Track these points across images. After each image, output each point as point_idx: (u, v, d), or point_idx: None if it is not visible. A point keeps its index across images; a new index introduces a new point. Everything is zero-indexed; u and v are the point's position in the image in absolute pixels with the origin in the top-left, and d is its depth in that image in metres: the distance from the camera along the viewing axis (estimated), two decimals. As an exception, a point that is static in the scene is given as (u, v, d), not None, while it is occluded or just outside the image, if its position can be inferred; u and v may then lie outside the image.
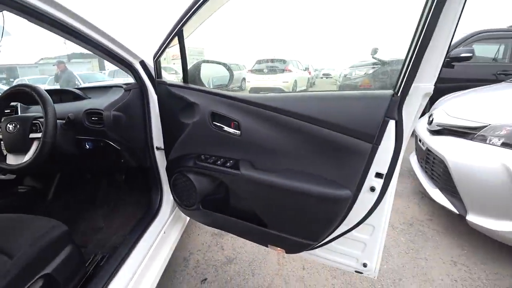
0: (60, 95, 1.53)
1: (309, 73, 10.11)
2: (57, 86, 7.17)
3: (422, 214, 2.03)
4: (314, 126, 0.82)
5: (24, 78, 9.36)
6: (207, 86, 1.20)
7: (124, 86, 1.31)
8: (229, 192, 1.10)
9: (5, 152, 1.22)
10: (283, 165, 0.91)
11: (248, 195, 1.01)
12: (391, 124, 0.76)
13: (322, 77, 16.07)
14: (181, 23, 1.01)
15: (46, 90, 1.50)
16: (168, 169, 1.26)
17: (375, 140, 0.76)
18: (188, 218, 1.59)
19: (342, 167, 0.82)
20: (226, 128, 0.99)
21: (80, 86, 1.59)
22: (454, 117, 1.88)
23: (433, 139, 1.92)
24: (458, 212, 1.60)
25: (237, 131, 0.96)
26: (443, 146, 1.75)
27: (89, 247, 1.36)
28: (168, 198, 1.43)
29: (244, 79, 9.40)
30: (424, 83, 0.74)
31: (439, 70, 0.73)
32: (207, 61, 1.29)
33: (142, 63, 1.26)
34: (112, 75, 10.61)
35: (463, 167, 1.55)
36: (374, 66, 4.19)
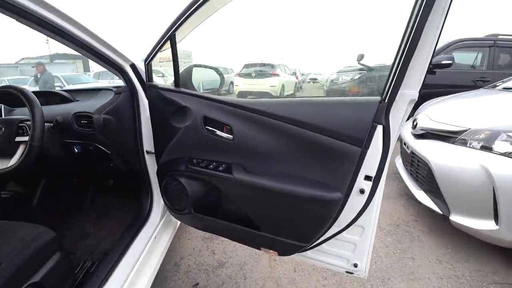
0: (46, 97, 1.49)
1: (297, 77, 10.24)
2: (37, 88, 6.97)
3: (408, 215, 2.09)
4: (305, 131, 0.84)
5: (4, 79, 9.06)
6: (197, 90, 1.20)
7: (114, 89, 1.29)
8: (221, 195, 1.11)
9: None
10: (275, 169, 0.93)
11: (241, 198, 1.02)
12: (379, 129, 0.79)
13: (309, 82, 16.30)
14: (174, 28, 1.01)
15: (33, 92, 1.46)
16: (159, 173, 1.25)
17: (364, 144, 0.79)
18: (179, 223, 1.58)
19: (332, 170, 0.85)
20: (218, 132, 1.00)
21: (67, 88, 1.54)
22: (436, 122, 1.96)
23: (417, 142, 1.99)
24: (442, 213, 1.66)
25: (230, 136, 0.97)
26: (427, 149, 1.82)
27: (78, 254, 1.33)
28: (158, 202, 1.42)
29: (232, 82, 9.42)
30: (410, 90, 0.78)
31: (424, 77, 0.77)
32: (199, 65, 1.30)
33: (133, 66, 1.25)
34: (97, 77, 10.38)
35: (446, 169, 1.62)
36: (361, 71, 4.31)
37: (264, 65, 8.14)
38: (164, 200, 1.26)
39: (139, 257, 1.21)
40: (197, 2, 0.92)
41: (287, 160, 0.91)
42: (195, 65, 1.27)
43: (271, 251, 1.07)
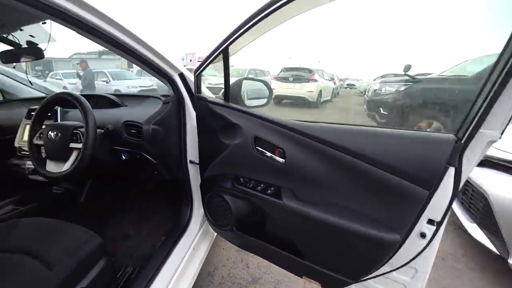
0: (97, 99, 1.55)
1: (334, 83, 9.98)
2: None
3: (456, 248, 1.92)
4: (365, 165, 0.78)
5: (58, 72, 9.92)
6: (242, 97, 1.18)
7: (162, 99, 1.31)
8: (266, 217, 1.08)
9: (45, 158, 1.25)
10: (328, 198, 0.88)
11: (288, 224, 0.99)
12: (451, 171, 0.71)
13: (346, 87, 15.81)
14: (228, 42, 1.00)
15: (84, 95, 1.54)
16: (202, 186, 1.26)
17: (433, 187, 0.72)
18: (216, 233, 1.58)
19: (392, 209, 0.78)
20: (269, 154, 0.97)
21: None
22: (498, 149, 1.77)
23: (474, 170, 1.81)
24: (498, 253, 1.49)
25: (281, 159, 0.94)
26: (485, 180, 1.65)
27: (119, 256, 1.38)
28: (198, 212, 1.43)
29: (268, 85, 9.39)
30: (491, 130, 0.69)
31: (510, 117, 0.68)
32: (249, 79, 1.29)
33: (181, 76, 1.26)
34: (139, 74, 10.97)
35: (508, 204, 1.45)
36: (406, 83, 4.07)
37: (302, 69, 8.01)
38: (205, 213, 1.27)
39: (178, 266, 1.22)
40: (254, 19, 0.89)
41: (341, 191, 0.85)
42: (245, 78, 1.26)
43: (314, 281, 1.02)
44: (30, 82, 1.81)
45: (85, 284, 0.90)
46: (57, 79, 9.78)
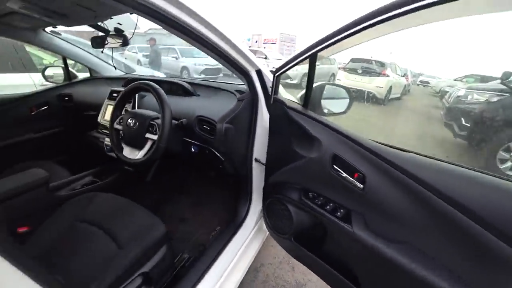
0: (171, 86, 1.60)
1: (407, 79, 9.01)
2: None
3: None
4: (466, 219, 0.62)
5: (134, 46, 10.80)
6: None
7: (237, 96, 1.29)
8: (328, 236, 1.01)
9: (122, 143, 1.34)
10: (404, 237, 0.77)
11: (352, 251, 0.91)
12: None
13: (418, 84, 14.21)
14: (319, 48, 0.91)
15: (158, 81, 1.57)
16: (266, 189, 1.24)
17: None
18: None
19: (489, 275, 0.64)
20: (346, 175, 0.88)
21: (190, 81, 1.61)
22: None
23: None
24: None
25: (360, 184, 0.84)
26: None
27: (175, 240, 1.45)
28: (255, 209, 1.43)
29: (333, 74, 8.92)
30: None
31: None
32: (331, 84, 1.18)
33: (259, 72, 1.21)
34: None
35: None
36: (502, 93, 3.45)
37: (373, 62, 7.33)
38: (264, 215, 1.25)
39: (231, 260, 1.25)
40: (358, 25, 0.77)
41: (424, 235, 0.73)
42: (327, 83, 1.16)
43: None
44: (114, 66, 2.00)
45: (147, 269, 0.96)
46: (133, 52, 10.60)
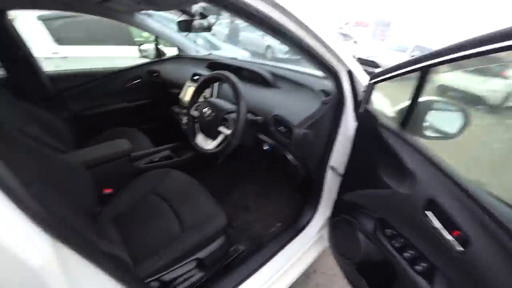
0: (250, 75, 1.55)
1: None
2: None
3: None
4: None
5: (221, 21, 11.10)
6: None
7: (322, 98, 1.17)
8: (397, 282, 0.87)
9: (197, 130, 1.37)
10: None
11: None
12: None
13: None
14: (436, 62, 0.71)
15: (239, 68, 1.57)
16: (338, 204, 1.14)
17: None
18: None
19: None
20: (440, 228, 0.69)
21: (273, 70, 1.52)
22: None
23: None
24: None
25: (459, 248, 0.64)
26: None
27: (233, 230, 1.47)
28: (320, 216, 1.35)
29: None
30: None
31: None
32: (441, 101, 0.95)
33: (350, 74, 1.05)
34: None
35: None
36: None
37: (491, 59, 5.82)
38: (329, 231, 1.16)
39: (285, 264, 1.22)
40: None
41: None
42: (437, 100, 0.94)
43: None
44: (196, 50, 2.17)
45: (202, 256, 1.01)
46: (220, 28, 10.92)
